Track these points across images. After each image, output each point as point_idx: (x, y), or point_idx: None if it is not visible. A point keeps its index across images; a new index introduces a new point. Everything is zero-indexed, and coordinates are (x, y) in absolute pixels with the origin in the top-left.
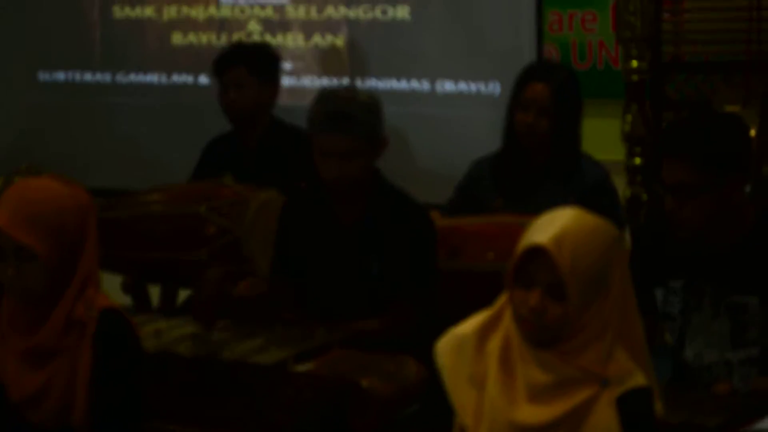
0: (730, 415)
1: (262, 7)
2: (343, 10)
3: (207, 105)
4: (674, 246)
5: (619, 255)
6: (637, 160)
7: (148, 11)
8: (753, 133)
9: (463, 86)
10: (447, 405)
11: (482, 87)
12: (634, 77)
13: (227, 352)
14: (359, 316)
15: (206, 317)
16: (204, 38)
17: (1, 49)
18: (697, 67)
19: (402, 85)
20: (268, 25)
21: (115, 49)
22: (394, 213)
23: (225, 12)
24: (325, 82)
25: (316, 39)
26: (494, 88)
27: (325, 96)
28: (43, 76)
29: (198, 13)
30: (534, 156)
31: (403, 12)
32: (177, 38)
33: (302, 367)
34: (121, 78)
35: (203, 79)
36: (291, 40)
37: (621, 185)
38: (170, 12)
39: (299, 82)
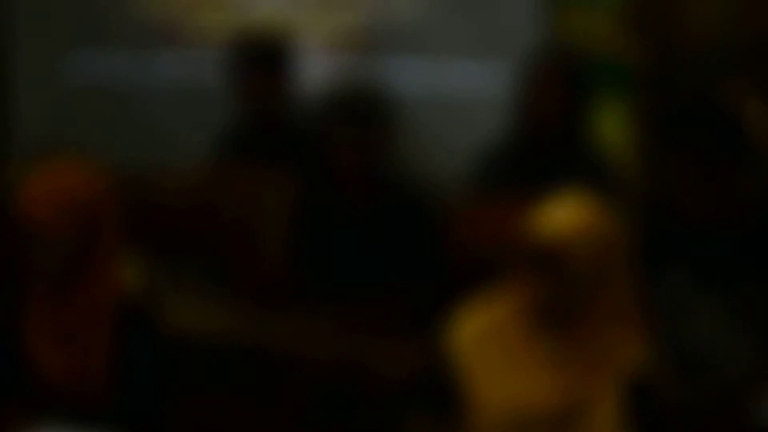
0: (736, 400)
1: None
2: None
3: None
4: (682, 229)
5: (624, 241)
6: (643, 146)
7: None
8: None
9: (470, 70)
10: (457, 388)
11: (490, 71)
12: (643, 66)
13: (239, 339)
14: (366, 304)
15: None
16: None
17: (29, 28)
18: (704, 57)
19: (409, 74)
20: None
21: (137, 31)
22: (402, 198)
23: None
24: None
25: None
26: (503, 73)
27: (338, 86)
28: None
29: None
30: (542, 140)
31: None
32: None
33: (312, 353)
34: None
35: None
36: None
37: (628, 171)
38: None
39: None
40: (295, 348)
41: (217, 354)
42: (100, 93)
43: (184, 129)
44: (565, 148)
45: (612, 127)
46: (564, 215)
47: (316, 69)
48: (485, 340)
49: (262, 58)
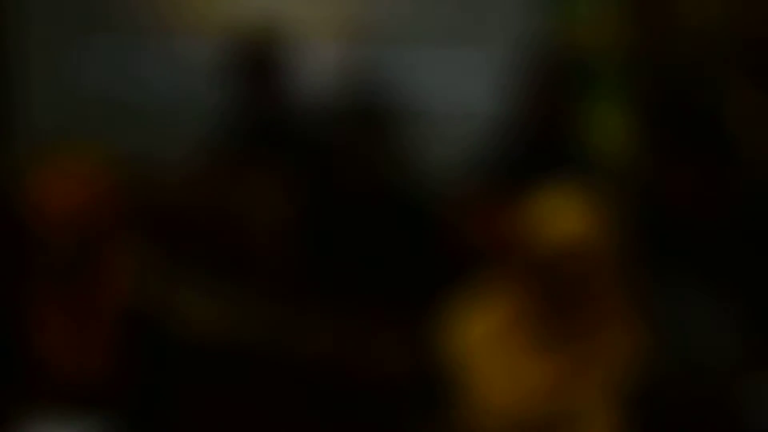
0: (732, 397)
1: None
2: None
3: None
4: (672, 226)
5: (621, 238)
6: (639, 143)
7: None
8: None
9: (465, 67)
10: (456, 387)
11: (485, 66)
12: (638, 61)
13: (242, 337)
14: (372, 303)
15: None
16: None
17: (43, 14)
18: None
19: (410, 74)
20: None
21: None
22: (403, 199)
23: None
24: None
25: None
26: (496, 67)
27: (339, 82)
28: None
29: None
30: (534, 135)
31: None
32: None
33: (314, 351)
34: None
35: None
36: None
37: (622, 166)
38: None
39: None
40: (295, 345)
41: (218, 351)
42: (100, 90)
43: (185, 125)
44: (559, 146)
45: (607, 124)
46: (562, 221)
47: (315, 62)
48: (483, 341)
49: (258, 53)
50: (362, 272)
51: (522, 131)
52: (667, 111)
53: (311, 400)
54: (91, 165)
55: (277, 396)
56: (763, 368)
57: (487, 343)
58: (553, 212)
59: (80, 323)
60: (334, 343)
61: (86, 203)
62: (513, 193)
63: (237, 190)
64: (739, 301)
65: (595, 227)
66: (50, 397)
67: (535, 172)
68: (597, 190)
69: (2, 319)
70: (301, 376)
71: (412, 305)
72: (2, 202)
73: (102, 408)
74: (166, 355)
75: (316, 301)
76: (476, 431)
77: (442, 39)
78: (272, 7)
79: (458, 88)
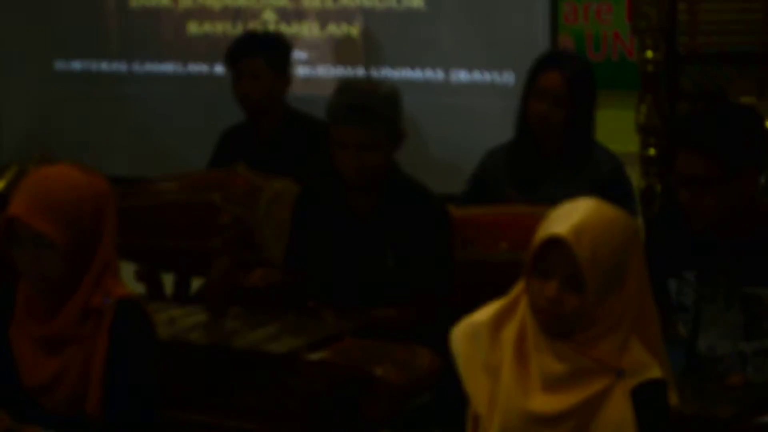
0: (744, 406)
1: None
2: (358, 0)
3: (222, 94)
4: (688, 237)
5: (637, 246)
6: (652, 151)
7: (165, 0)
8: None
9: (477, 76)
10: (460, 394)
11: (496, 77)
12: (649, 68)
13: (240, 341)
14: (374, 307)
15: (216, 305)
16: (219, 27)
17: (18, 37)
18: (712, 58)
19: (416, 74)
20: (283, 14)
21: (132, 38)
22: (409, 204)
23: (240, 1)
24: (340, 71)
25: (331, 28)
26: (508, 78)
27: (345, 87)
28: (59, 65)
29: (213, 2)
30: (547, 145)
31: (417, 1)
32: (193, 27)
33: (315, 356)
34: (137, 67)
35: (219, 69)
36: (306, 30)
37: (635, 176)
38: (186, 1)
39: (314, 71)
40: (297, 352)
41: (215, 358)
42: (95, 95)
43: (184, 130)
44: (570, 152)
45: (618, 129)
46: (577, 214)
47: (319, 68)
48: (490, 346)
49: (262, 56)
50: (364, 278)
51: (531, 140)
52: (680, 117)
53: (315, 408)
54: (83, 175)
55: (281, 403)
56: None
57: (492, 349)
58: (562, 214)
59: (66, 332)
60: (335, 350)
61: (80, 214)
62: (521, 202)
63: (236, 195)
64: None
65: (606, 232)
66: (33, 411)
67: (544, 180)
68: (608, 197)
69: None
70: (305, 383)
71: (419, 311)
72: None
73: (88, 420)
74: (156, 363)
75: (317, 307)
76: None
77: (459, 59)
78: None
79: (475, 102)
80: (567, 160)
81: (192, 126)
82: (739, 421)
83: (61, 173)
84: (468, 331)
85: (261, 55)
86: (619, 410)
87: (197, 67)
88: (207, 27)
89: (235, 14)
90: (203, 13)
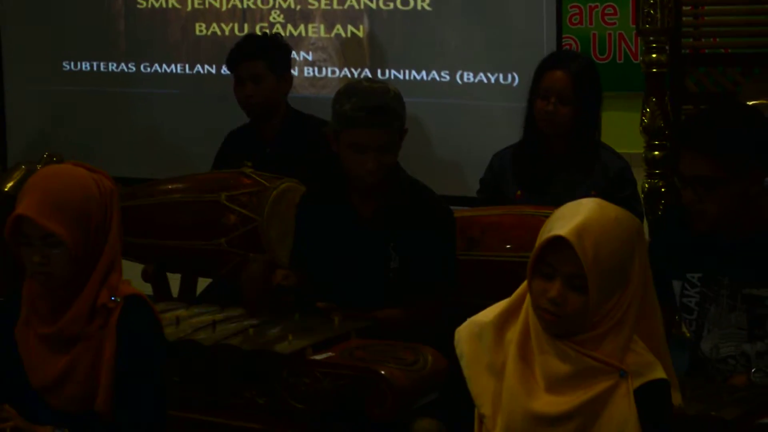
0: (747, 407)
1: None
2: (364, 1)
3: (230, 95)
4: (692, 238)
5: (640, 247)
6: (656, 153)
7: (172, 1)
8: None
9: (482, 77)
10: (466, 394)
11: (501, 78)
12: (654, 70)
13: (246, 341)
14: (378, 308)
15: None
16: (227, 28)
17: (27, 39)
18: (716, 60)
19: (422, 75)
20: (290, 15)
21: (139, 39)
22: (413, 205)
23: (247, 2)
24: (345, 72)
25: (338, 29)
26: (513, 79)
27: (355, 91)
28: (67, 66)
29: (221, 3)
30: (554, 145)
31: (423, 3)
32: (200, 28)
33: (320, 356)
34: (144, 68)
35: (226, 70)
36: (312, 31)
37: (640, 178)
38: (193, 2)
39: (320, 72)
40: (303, 352)
41: (220, 358)
42: (103, 96)
43: (191, 130)
44: (577, 151)
45: (622, 131)
46: (580, 214)
47: (325, 69)
48: (495, 346)
49: (262, 59)
50: (371, 278)
51: (537, 140)
52: (685, 117)
53: (321, 405)
54: (91, 175)
55: (287, 401)
56: None
57: (496, 349)
58: (567, 212)
59: (74, 330)
60: (345, 346)
61: (88, 212)
62: (532, 201)
63: (243, 196)
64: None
65: (610, 230)
66: (41, 410)
67: (550, 180)
68: (619, 196)
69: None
70: (311, 382)
71: (426, 311)
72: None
73: (96, 419)
74: (163, 361)
75: (326, 307)
76: None
77: (465, 60)
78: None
79: (480, 103)
80: (573, 159)
81: (199, 127)
82: (742, 422)
83: (69, 172)
84: (472, 330)
85: (261, 57)
86: (622, 410)
87: (204, 68)
88: (214, 28)
89: (242, 15)
90: (210, 14)
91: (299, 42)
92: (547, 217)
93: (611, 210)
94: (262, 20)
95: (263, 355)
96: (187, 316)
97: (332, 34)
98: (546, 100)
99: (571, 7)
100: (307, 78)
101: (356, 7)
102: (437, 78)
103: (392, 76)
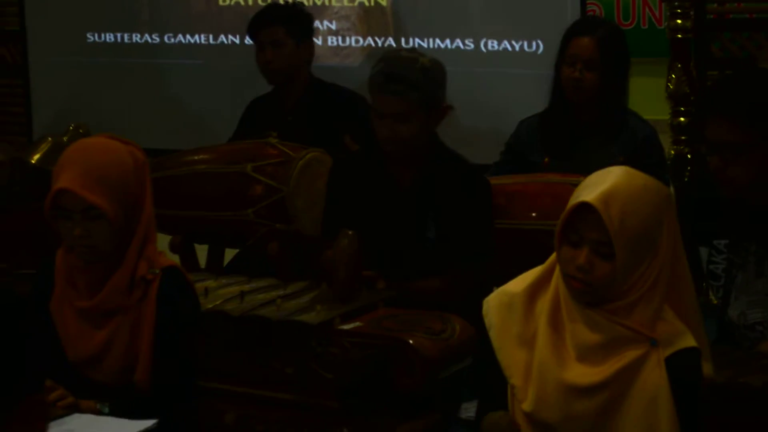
0: None
1: None
2: None
3: (254, 65)
4: (718, 205)
5: (670, 215)
6: (682, 119)
7: None
8: None
9: (506, 45)
10: (495, 364)
11: (526, 46)
12: (679, 36)
13: (274, 312)
14: (415, 278)
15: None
16: None
17: (51, 11)
18: (741, 25)
19: (446, 44)
20: None
21: (163, 10)
22: (450, 176)
23: None
24: (369, 41)
25: None
26: (538, 47)
27: (386, 57)
28: (91, 37)
29: None
30: (581, 112)
31: None
32: None
33: (348, 326)
34: (168, 39)
35: (249, 39)
36: (335, 0)
37: (665, 144)
38: None
39: (344, 41)
40: (331, 321)
41: (250, 328)
42: (127, 67)
43: (215, 101)
44: (604, 118)
45: (648, 97)
46: (608, 181)
47: (348, 38)
48: (525, 317)
49: (282, 25)
50: (404, 250)
51: (568, 105)
52: (712, 84)
53: (349, 376)
54: (126, 147)
55: (318, 367)
56: None
57: (527, 321)
58: (595, 179)
59: (113, 304)
60: (373, 316)
61: (125, 184)
62: (560, 168)
63: (268, 168)
64: None
65: (639, 197)
66: (79, 386)
67: (578, 148)
68: (647, 162)
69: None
70: (340, 353)
71: (461, 281)
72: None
73: (133, 394)
74: (197, 329)
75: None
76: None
77: (488, 28)
78: None
79: (505, 71)
80: (601, 126)
81: (224, 97)
82: None
83: (105, 145)
84: (502, 301)
85: (281, 23)
86: (654, 380)
87: (228, 38)
88: None
89: None
90: None
91: (322, 11)
92: (571, 184)
93: (639, 178)
94: None
95: (292, 326)
96: (215, 287)
97: (355, 3)
98: (572, 66)
99: None
100: (330, 47)
101: None
102: (461, 46)
103: (416, 45)
